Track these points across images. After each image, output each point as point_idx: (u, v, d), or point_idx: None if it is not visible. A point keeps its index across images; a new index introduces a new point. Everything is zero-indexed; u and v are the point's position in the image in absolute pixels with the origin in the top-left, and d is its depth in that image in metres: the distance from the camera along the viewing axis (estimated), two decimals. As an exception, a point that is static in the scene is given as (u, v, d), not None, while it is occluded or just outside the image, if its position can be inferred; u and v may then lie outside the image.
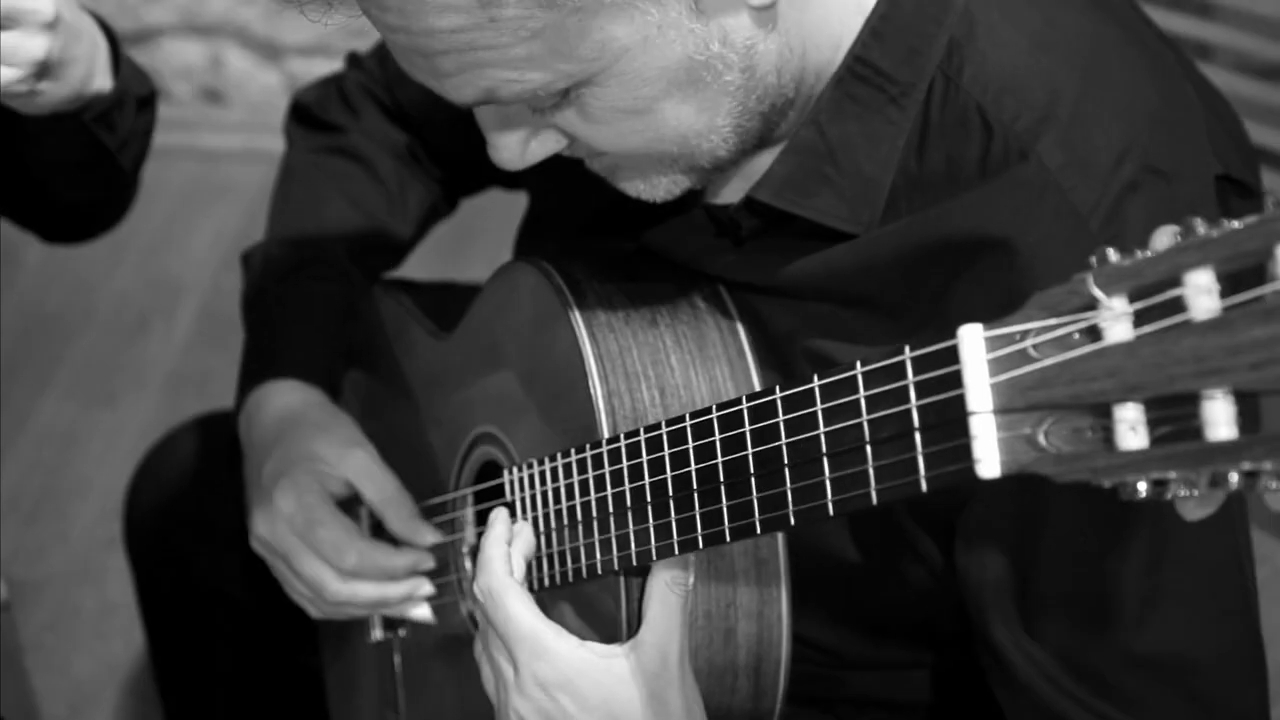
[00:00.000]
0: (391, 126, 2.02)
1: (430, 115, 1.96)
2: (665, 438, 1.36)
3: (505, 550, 1.48)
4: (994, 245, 1.38)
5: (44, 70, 1.62)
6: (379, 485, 1.76)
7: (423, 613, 1.77)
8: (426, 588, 1.75)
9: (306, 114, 2.07)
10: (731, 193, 1.57)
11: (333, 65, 2.10)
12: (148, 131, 1.92)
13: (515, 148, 1.44)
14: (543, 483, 1.52)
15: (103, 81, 1.74)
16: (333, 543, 1.72)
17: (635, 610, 1.46)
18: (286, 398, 1.85)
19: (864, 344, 1.46)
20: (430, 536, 1.74)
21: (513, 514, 1.58)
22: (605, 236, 1.70)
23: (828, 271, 1.47)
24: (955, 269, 1.40)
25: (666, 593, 1.40)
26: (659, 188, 1.48)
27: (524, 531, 1.51)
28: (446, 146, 1.99)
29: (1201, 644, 1.44)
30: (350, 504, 1.78)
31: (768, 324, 1.53)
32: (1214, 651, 1.44)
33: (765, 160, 1.52)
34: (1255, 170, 1.53)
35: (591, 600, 1.52)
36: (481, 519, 1.70)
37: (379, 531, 1.79)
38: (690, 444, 1.34)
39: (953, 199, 1.41)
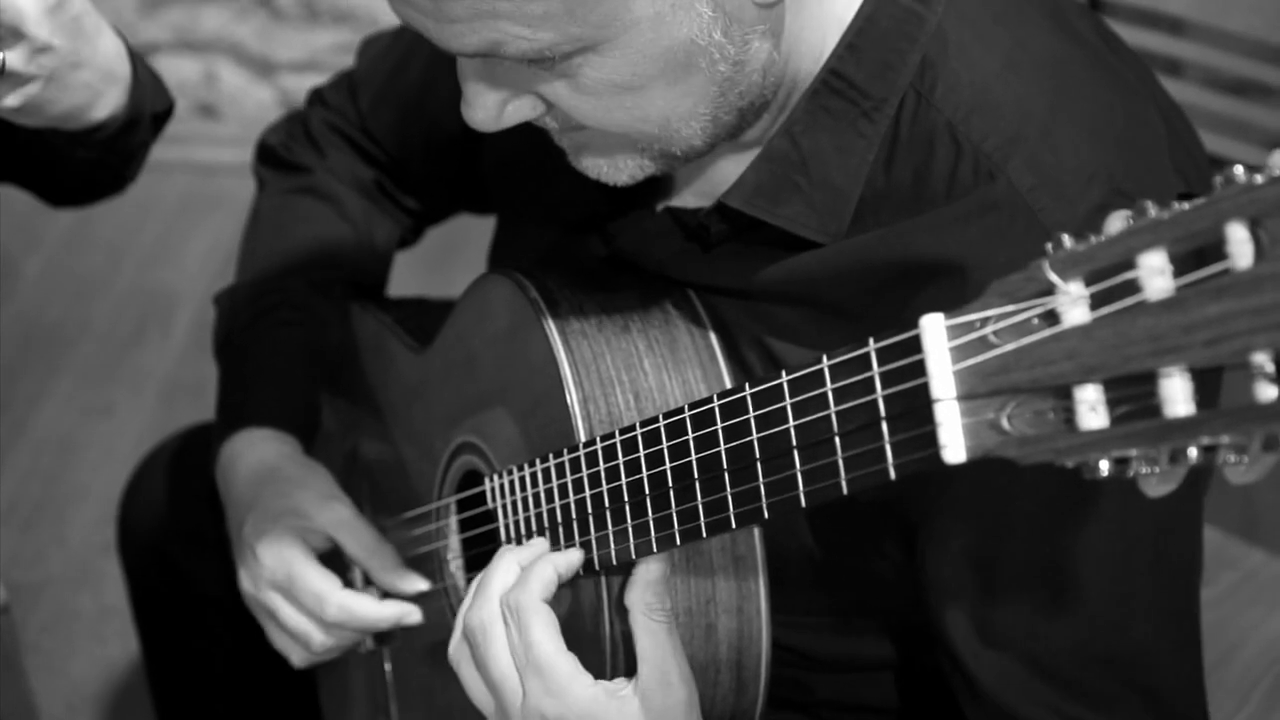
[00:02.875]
0: (359, 163, 1.99)
1: (403, 143, 1.95)
2: (640, 439, 1.36)
3: (553, 574, 1.43)
4: (963, 265, 1.37)
5: (28, 88, 1.59)
6: (359, 538, 1.74)
7: (415, 619, 1.76)
8: (415, 616, 1.74)
9: (273, 155, 2.04)
10: (692, 195, 1.57)
11: (323, 81, 2.08)
12: (153, 139, 1.90)
13: (493, 108, 1.40)
14: (522, 489, 1.52)
15: (108, 110, 1.71)
16: (314, 595, 1.70)
17: (619, 631, 1.46)
18: (260, 450, 1.82)
19: (824, 349, 1.46)
20: (419, 584, 1.73)
21: (494, 520, 1.57)
22: (574, 253, 1.70)
23: (793, 278, 1.47)
24: (921, 287, 1.40)
25: (648, 623, 1.38)
26: (623, 171, 1.46)
27: (572, 556, 1.46)
28: (419, 173, 1.97)
29: (1157, 641, 1.44)
30: (340, 556, 1.77)
31: (732, 328, 1.53)
32: (1169, 648, 1.45)
33: (726, 163, 1.52)
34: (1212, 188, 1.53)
35: (573, 614, 1.52)
36: (465, 527, 1.69)
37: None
38: (664, 444, 1.33)
39: (921, 216, 1.40)
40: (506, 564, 1.44)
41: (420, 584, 1.72)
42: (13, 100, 1.60)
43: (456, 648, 1.46)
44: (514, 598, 1.40)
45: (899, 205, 1.42)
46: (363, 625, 1.71)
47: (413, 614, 1.72)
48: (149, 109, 1.81)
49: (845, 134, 1.43)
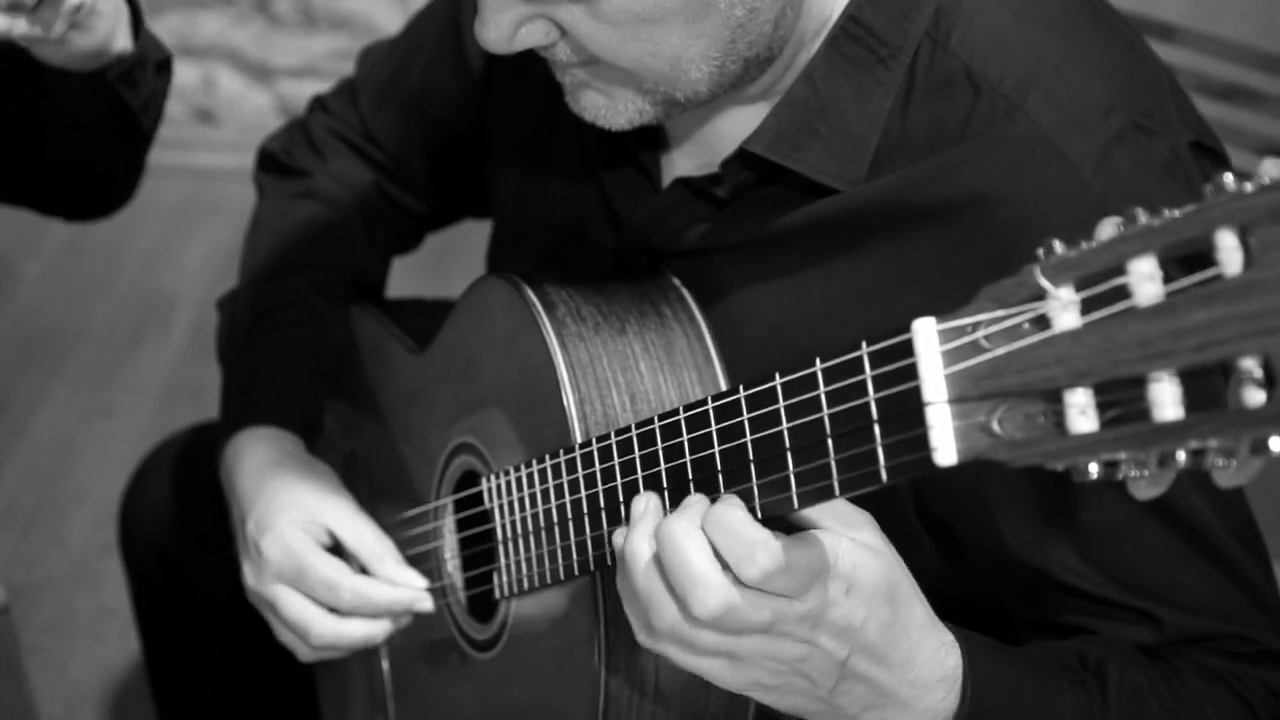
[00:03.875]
0: (360, 166, 2.00)
1: (404, 143, 1.96)
2: (635, 440, 1.36)
3: (704, 541, 1.23)
4: (987, 201, 1.39)
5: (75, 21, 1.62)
6: (360, 534, 1.74)
7: (427, 605, 1.76)
8: (427, 602, 1.73)
9: (273, 161, 2.05)
10: (696, 168, 1.57)
11: (321, 87, 2.09)
12: (164, 93, 1.92)
13: (506, 28, 1.40)
14: (519, 489, 1.52)
15: (124, 42, 1.74)
16: (327, 583, 1.70)
17: (611, 611, 1.46)
18: (263, 447, 1.82)
19: (836, 300, 1.47)
20: (417, 582, 1.72)
21: (490, 520, 1.57)
22: (576, 252, 1.71)
23: (809, 224, 1.48)
24: (947, 226, 1.41)
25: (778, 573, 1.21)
26: (621, 114, 1.47)
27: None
28: (420, 173, 1.98)
29: (1235, 536, 1.45)
30: (341, 550, 1.77)
31: (737, 290, 1.54)
32: (1242, 541, 1.46)
33: (728, 125, 1.53)
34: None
35: (566, 608, 1.52)
36: (462, 526, 1.69)
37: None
38: (660, 445, 1.33)
39: (942, 155, 1.42)
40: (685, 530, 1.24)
41: (418, 581, 1.72)
42: (79, 37, 1.64)
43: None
44: (713, 601, 1.21)
45: (915, 151, 1.43)
46: (376, 610, 1.71)
47: (425, 600, 1.71)
48: (151, 54, 1.84)
49: (863, 80, 1.45)
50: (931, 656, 1.30)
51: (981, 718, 1.33)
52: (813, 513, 1.24)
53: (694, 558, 1.21)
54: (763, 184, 1.50)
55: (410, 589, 1.72)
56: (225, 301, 1.97)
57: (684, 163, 1.60)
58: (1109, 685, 1.40)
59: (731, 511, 1.21)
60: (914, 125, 1.43)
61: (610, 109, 1.47)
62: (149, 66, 1.83)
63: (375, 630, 1.73)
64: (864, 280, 1.46)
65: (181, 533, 2.12)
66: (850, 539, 1.24)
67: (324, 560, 1.71)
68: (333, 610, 1.72)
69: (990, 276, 1.36)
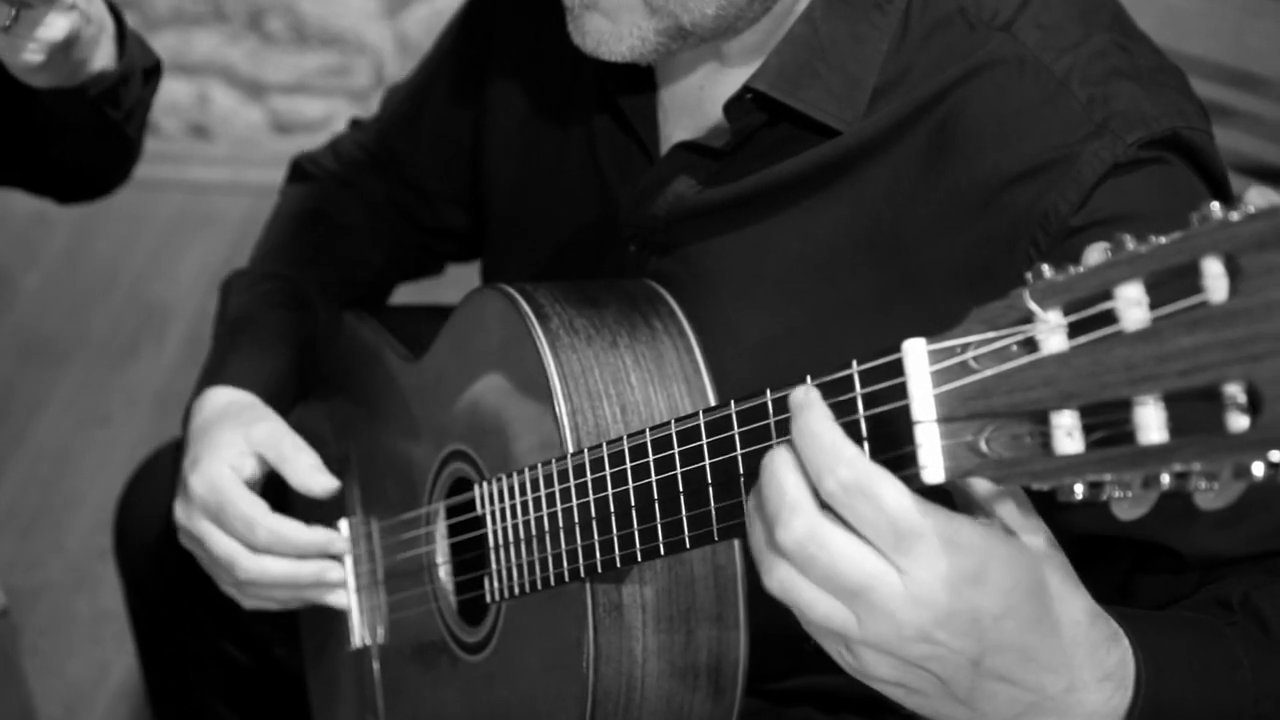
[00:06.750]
0: (375, 176, 2.02)
1: (417, 159, 1.97)
2: (626, 452, 1.35)
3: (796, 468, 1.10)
4: (977, 119, 1.41)
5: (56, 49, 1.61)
6: (279, 446, 1.74)
7: (339, 600, 1.76)
8: (335, 573, 1.74)
9: (298, 170, 2.08)
10: (687, 135, 1.59)
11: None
12: (150, 99, 1.92)
13: None
14: (511, 496, 1.52)
15: (105, 61, 1.73)
16: (243, 519, 1.69)
17: (600, 616, 1.46)
18: (215, 401, 1.82)
19: (839, 244, 1.49)
20: (328, 483, 1.72)
21: (482, 526, 1.57)
22: (565, 269, 1.72)
23: (811, 169, 1.50)
24: (941, 149, 1.43)
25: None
26: (624, 40, 1.47)
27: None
28: (434, 191, 1.99)
29: None
30: (280, 494, 1.77)
31: (735, 253, 1.55)
32: None
33: (720, 91, 1.54)
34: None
35: (555, 613, 1.52)
36: (454, 532, 1.69)
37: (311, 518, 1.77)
38: (650, 457, 1.33)
39: (933, 82, 1.45)
40: (783, 459, 1.10)
41: (331, 483, 1.72)
42: (37, 55, 1.61)
43: (781, 580, 1.11)
44: (846, 478, 1.06)
45: (911, 89, 1.46)
46: (291, 549, 1.71)
47: (337, 542, 1.73)
48: (139, 64, 1.83)
49: (860, 24, 1.47)
50: (1091, 654, 1.13)
51: (1159, 711, 1.18)
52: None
53: (786, 478, 1.09)
54: (764, 127, 1.51)
55: (324, 533, 1.72)
56: (224, 284, 1.99)
57: (681, 135, 1.61)
58: (1265, 615, 1.30)
59: (818, 416, 1.06)
60: (910, 65, 1.46)
61: (613, 34, 1.47)
62: (135, 79, 1.82)
63: (300, 571, 1.73)
64: (865, 218, 1.48)
65: (175, 537, 2.12)
66: (986, 525, 1.07)
67: (243, 497, 1.71)
68: (252, 549, 1.71)
69: (984, 195, 1.35)
